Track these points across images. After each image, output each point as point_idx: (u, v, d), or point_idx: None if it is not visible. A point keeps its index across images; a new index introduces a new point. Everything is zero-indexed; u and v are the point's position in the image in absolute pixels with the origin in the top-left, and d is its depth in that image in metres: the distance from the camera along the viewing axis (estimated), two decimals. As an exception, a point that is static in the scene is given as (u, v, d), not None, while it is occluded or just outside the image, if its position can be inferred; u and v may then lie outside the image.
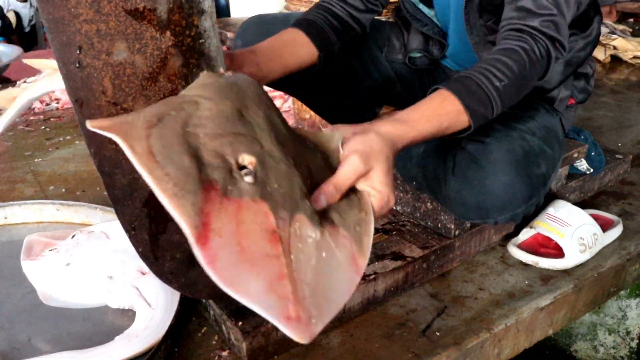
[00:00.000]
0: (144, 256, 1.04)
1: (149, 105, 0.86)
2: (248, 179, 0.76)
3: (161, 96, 0.92)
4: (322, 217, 0.85)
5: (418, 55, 1.61)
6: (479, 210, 1.22)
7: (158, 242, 1.04)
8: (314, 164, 0.93)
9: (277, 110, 0.99)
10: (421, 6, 1.54)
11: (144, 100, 0.91)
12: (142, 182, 0.96)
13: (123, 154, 0.92)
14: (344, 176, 0.90)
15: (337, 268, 0.79)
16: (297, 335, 0.67)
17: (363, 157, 0.91)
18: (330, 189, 0.88)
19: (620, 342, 2.10)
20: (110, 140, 0.91)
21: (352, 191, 0.91)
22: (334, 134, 0.99)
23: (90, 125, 0.78)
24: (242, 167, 0.78)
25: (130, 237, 1.02)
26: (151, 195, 0.98)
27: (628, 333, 2.07)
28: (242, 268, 0.69)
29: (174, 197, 0.70)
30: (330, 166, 0.94)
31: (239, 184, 0.75)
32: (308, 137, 1.01)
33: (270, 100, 0.99)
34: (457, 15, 1.45)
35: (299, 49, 1.39)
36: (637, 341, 2.07)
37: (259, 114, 0.88)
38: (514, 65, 1.14)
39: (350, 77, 1.63)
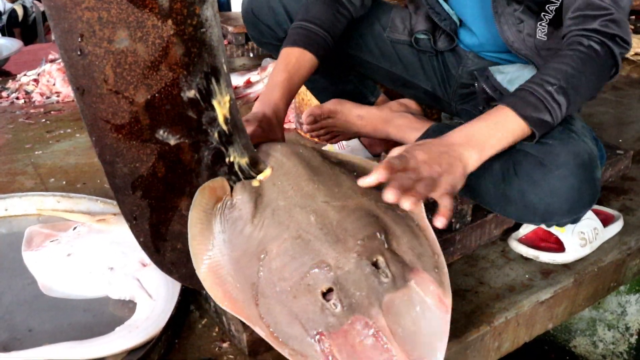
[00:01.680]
0: (145, 246, 1.04)
1: (237, 265, 1.03)
2: (337, 310, 0.93)
3: (162, 85, 0.92)
4: (404, 266, 1.01)
5: (423, 37, 1.61)
6: (543, 213, 1.20)
7: (159, 233, 1.04)
8: (350, 187, 1.13)
9: (307, 164, 1.15)
10: (441, 1, 1.54)
11: (146, 89, 0.91)
12: (142, 171, 0.97)
13: (124, 142, 0.93)
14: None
15: (432, 315, 0.96)
16: None
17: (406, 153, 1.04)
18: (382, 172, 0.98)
19: (620, 338, 2.10)
20: (112, 129, 0.91)
21: (417, 228, 1.11)
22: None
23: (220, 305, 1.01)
24: (325, 293, 0.95)
25: (131, 227, 1.02)
26: (152, 185, 0.98)
27: (627, 329, 2.08)
28: None
29: None
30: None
31: (334, 315, 0.93)
32: (330, 158, 1.22)
33: (298, 161, 1.15)
34: (484, 3, 1.44)
35: (303, 71, 1.44)
36: (637, 337, 2.07)
37: (310, 220, 1.03)
38: (566, 67, 1.17)
39: (351, 49, 1.64)
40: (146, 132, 0.94)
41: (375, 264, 0.98)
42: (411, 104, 1.74)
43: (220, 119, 1.01)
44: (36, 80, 2.84)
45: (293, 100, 2.19)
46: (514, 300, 1.29)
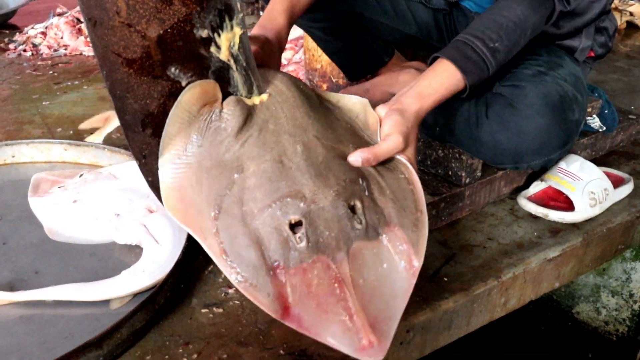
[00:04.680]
0: (153, 187, 1.03)
1: (207, 175, 0.96)
2: (302, 245, 0.88)
3: (175, 20, 0.90)
4: (380, 214, 0.96)
5: None
6: (513, 154, 1.21)
7: (168, 173, 1.02)
8: (344, 133, 1.07)
9: (307, 99, 1.08)
10: None
11: (158, 24, 0.89)
12: (153, 108, 0.95)
13: (135, 77, 0.91)
14: (385, 150, 1.03)
15: (397, 276, 0.91)
16: (372, 358, 0.81)
17: (404, 138, 1.04)
18: (370, 157, 1.00)
19: (624, 305, 2.10)
20: (123, 63, 0.90)
21: (405, 182, 1.03)
22: (357, 100, 1.13)
23: (170, 212, 0.94)
24: (294, 226, 0.90)
25: (140, 166, 1.01)
26: (162, 123, 0.97)
27: (631, 295, 2.07)
28: (322, 319, 0.84)
29: (252, 291, 0.85)
30: (355, 129, 1.10)
31: (297, 249, 0.88)
32: (331, 102, 1.15)
33: (298, 93, 1.07)
34: None
35: (304, 2, 1.40)
36: (641, 304, 2.07)
37: (296, 149, 0.98)
38: (509, 24, 1.18)
39: (366, 12, 1.63)
40: (157, 69, 0.92)
41: (352, 208, 0.93)
42: (422, 66, 1.72)
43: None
44: (44, 33, 2.82)
45: (303, 57, 2.18)
46: (522, 257, 1.28)
